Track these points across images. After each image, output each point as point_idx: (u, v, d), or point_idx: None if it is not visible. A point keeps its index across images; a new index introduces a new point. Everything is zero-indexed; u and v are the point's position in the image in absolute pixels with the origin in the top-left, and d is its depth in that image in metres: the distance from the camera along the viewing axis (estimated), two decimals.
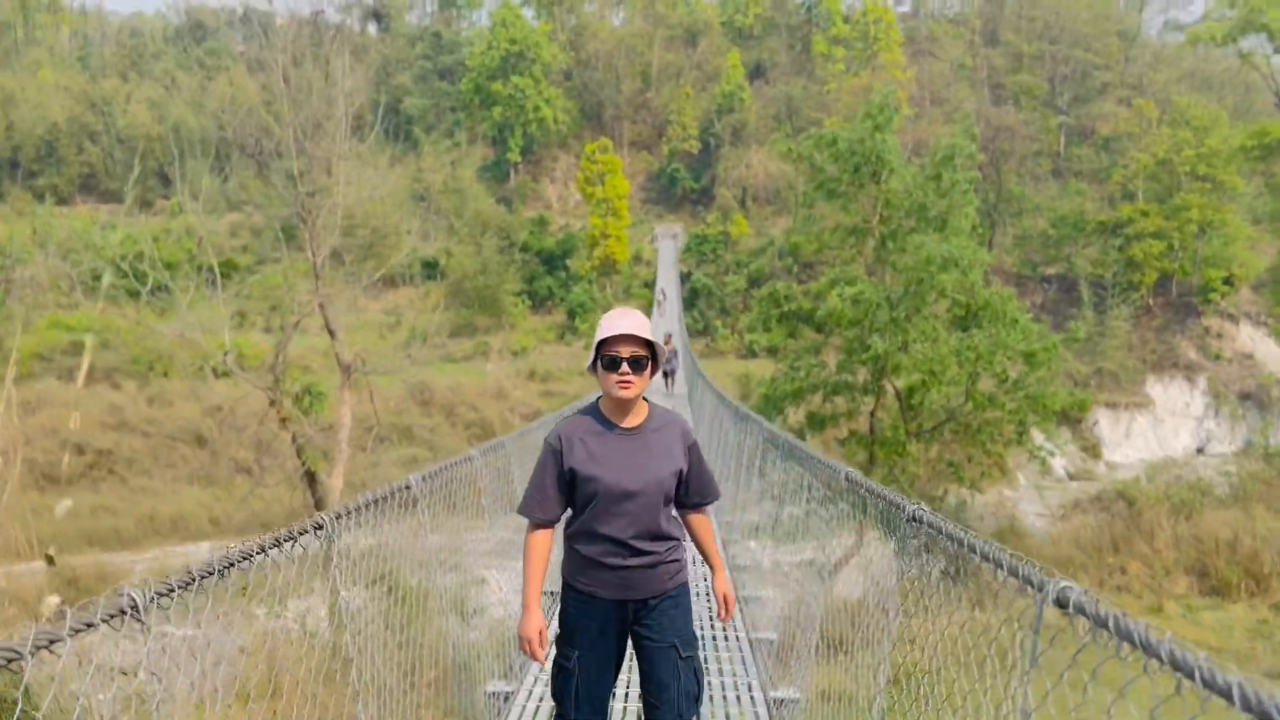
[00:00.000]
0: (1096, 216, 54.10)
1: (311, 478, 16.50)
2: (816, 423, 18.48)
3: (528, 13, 76.53)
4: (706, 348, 51.09)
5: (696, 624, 3.44)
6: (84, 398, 35.35)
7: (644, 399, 3.25)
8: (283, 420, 16.29)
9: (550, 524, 3.22)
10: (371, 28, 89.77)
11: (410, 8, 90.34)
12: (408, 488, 4.09)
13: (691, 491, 3.27)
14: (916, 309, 16.16)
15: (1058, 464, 32.24)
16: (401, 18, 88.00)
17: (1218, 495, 21.36)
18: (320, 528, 3.10)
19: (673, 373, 22.36)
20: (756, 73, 75.10)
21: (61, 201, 67.01)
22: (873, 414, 17.62)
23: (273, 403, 16.00)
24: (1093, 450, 43.14)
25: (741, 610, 7.23)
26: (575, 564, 3.23)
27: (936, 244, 15.95)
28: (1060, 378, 17.43)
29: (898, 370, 16.19)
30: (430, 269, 57.76)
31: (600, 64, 74.43)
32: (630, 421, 3.18)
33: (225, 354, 16.04)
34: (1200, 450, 45.35)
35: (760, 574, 8.10)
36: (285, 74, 16.20)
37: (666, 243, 62.89)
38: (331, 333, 16.84)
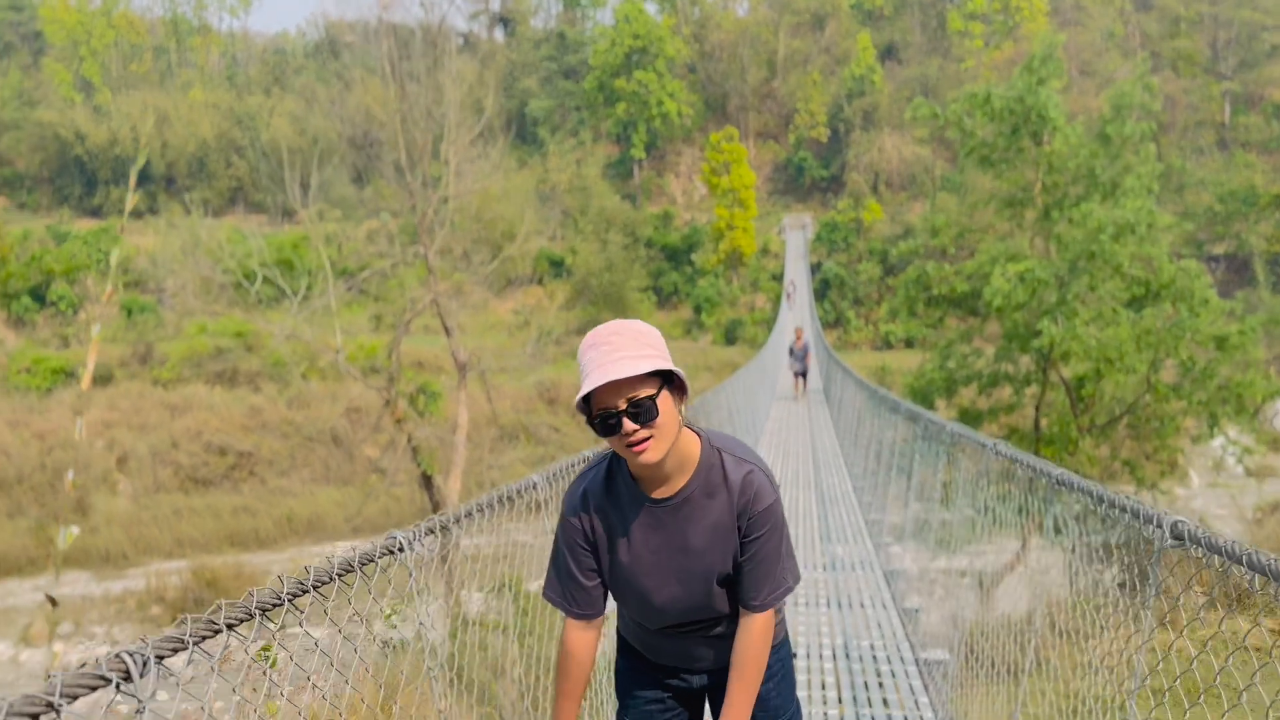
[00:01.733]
0: (1270, 189, 49.60)
1: (428, 480, 16.03)
2: (971, 418, 16.72)
3: (651, 8, 75.93)
4: (839, 340, 49.23)
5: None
6: (227, 400, 36.37)
7: (694, 434, 2.22)
8: (398, 421, 15.86)
9: (589, 618, 2.32)
10: (499, 34, 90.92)
11: (535, 12, 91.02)
12: (533, 486, 3.48)
13: (741, 583, 2.26)
14: (1090, 288, 14.28)
15: (1230, 460, 29.31)
16: (527, 22, 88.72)
17: None
18: (398, 550, 2.40)
19: (804, 373, 19.90)
20: (888, 54, 72.42)
21: (212, 214, 70.14)
22: (1038, 408, 15.83)
23: (387, 403, 15.56)
24: (1273, 444, 39.34)
25: (889, 582, 6.91)
26: (623, 616, 2.49)
27: (1108, 210, 14.08)
28: (1251, 365, 15.18)
29: (1067, 358, 14.33)
30: (557, 268, 57.72)
31: (724, 55, 73.13)
32: (667, 488, 2.19)
33: (337, 353, 15.73)
34: None
35: (916, 582, 7.22)
36: (393, 67, 15.78)
37: (795, 233, 61.15)
38: (448, 330, 16.31)
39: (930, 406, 16.92)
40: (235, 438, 33.67)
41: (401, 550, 2.39)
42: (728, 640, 2.31)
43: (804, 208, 65.52)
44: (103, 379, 39.59)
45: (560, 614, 2.33)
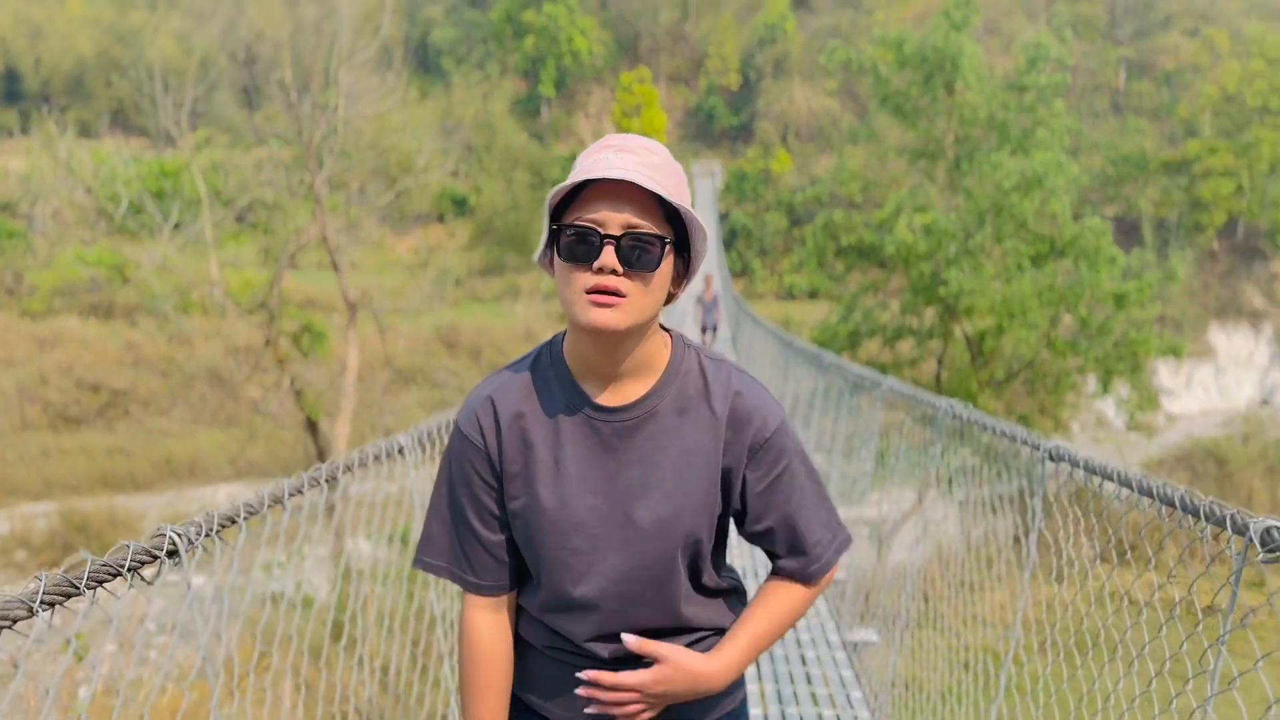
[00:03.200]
0: (1160, 155, 51.25)
1: (313, 425, 15.12)
2: (875, 370, 16.60)
3: None
4: (745, 290, 49.30)
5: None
6: (101, 335, 34.40)
7: (666, 333, 1.54)
8: (279, 361, 14.86)
9: (497, 592, 1.57)
10: None
11: None
12: (400, 451, 3.03)
13: (763, 540, 1.57)
14: (996, 239, 14.20)
15: (1113, 415, 30.39)
16: None
17: None
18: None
19: (714, 327, 17.96)
20: (800, 3, 71.97)
21: (90, 135, 66.01)
22: (940, 361, 15.81)
23: (268, 342, 14.54)
24: (1150, 401, 41.05)
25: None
26: (520, 660, 1.62)
27: (1017, 162, 13.96)
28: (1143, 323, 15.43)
29: (970, 312, 14.26)
30: (460, 207, 56.18)
31: None
32: (620, 392, 1.49)
33: (212, 287, 14.64)
34: (1265, 402, 43.13)
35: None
36: None
37: (704, 181, 60.79)
38: (336, 266, 15.36)
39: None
40: (110, 374, 31.89)
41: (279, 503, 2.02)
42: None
43: (713, 155, 65.13)
44: None
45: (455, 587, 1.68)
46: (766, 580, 1.61)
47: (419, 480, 3.09)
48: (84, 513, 23.67)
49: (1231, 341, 45.75)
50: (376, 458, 2.63)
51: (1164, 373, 42.48)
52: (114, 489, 26.92)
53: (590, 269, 1.37)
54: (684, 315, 25.13)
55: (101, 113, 69.36)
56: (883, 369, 16.91)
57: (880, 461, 5.72)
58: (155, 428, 30.49)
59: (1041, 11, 68.75)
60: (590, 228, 1.37)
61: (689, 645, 1.56)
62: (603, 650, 1.52)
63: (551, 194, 1.40)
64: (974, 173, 15.33)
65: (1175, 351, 15.40)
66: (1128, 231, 51.84)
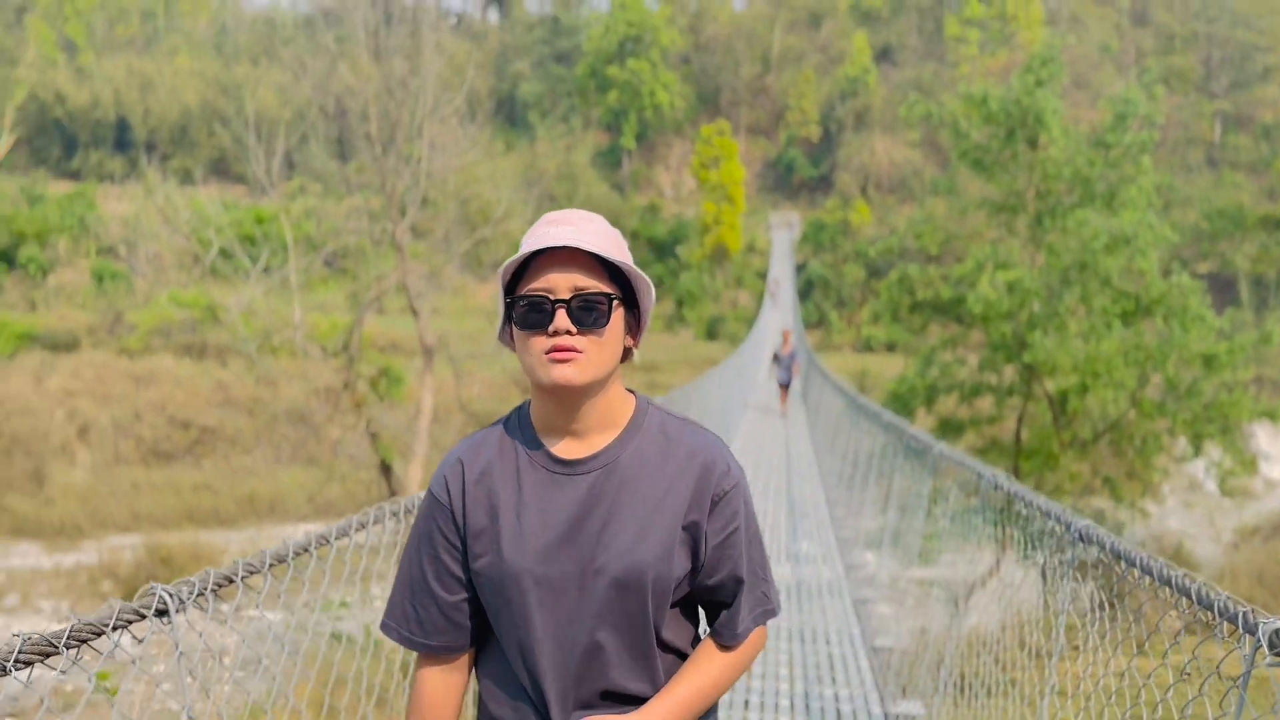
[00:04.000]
0: (1257, 210, 49.58)
1: (387, 467, 15.38)
2: (952, 428, 16.24)
3: None
4: (821, 341, 48.89)
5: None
6: (194, 374, 35.61)
7: (630, 393, 1.61)
8: (356, 404, 15.23)
9: (449, 652, 1.59)
10: (493, 15, 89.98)
11: None
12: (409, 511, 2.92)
13: (711, 595, 1.59)
14: (1081, 300, 13.84)
15: (1208, 479, 29.11)
16: (521, 4, 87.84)
17: None
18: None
19: (789, 384, 17.12)
20: (883, 56, 72.07)
21: (192, 183, 69.07)
22: (1019, 420, 15.40)
23: (346, 385, 14.93)
24: (1248, 465, 39.24)
25: (859, 615, 6.59)
26: (488, 675, 1.61)
27: (1104, 220, 13.63)
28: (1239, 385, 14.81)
29: (1052, 370, 13.89)
30: None
31: (719, 48, 72.59)
32: (581, 446, 1.54)
33: (294, 330, 15.12)
34: None
35: (878, 588, 6.86)
36: (372, 38, 15.18)
37: (781, 231, 60.75)
38: (415, 312, 15.72)
39: (911, 414, 16.47)
40: (200, 412, 32.94)
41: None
42: None
43: (792, 206, 65.13)
44: (68, 346, 38.78)
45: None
46: (698, 645, 1.63)
47: None
48: (169, 546, 24.36)
49: None
50: (394, 514, 2.64)
51: (1262, 436, 40.65)
52: (198, 524, 27.68)
53: (546, 333, 1.46)
54: (756, 368, 24.78)
55: (203, 161, 72.50)
56: (960, 426, 16.51)
57: (931, 522, 5.58)
58: (240, 465, 31.33)
59: (1132, 65, 67.60)
60: (541, 295, 1.46)
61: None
62: (558, 704, 1.52)
63: (501, 271, 1.51)
64: (1056, 229, 15.03)
65: (1271, 415, 14.74)
66: (1223, 289, 50.11)
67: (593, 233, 1.49)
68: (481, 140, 24.49)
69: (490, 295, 50.78)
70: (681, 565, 1.53)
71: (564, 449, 1.53)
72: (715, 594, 1.58)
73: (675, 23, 73.49)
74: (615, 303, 1.49)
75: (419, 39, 16.79)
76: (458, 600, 1.56)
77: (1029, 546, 3.80)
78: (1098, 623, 3.01)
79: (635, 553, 1.49)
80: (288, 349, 19.53)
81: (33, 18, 78.56)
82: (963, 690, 4.42)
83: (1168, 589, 2.03)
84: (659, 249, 58.27)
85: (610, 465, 1.52)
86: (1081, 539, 2.72)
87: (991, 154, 15.66)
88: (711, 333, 50.87)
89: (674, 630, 1.57)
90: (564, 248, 1.47)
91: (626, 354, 1.57)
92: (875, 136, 63.63)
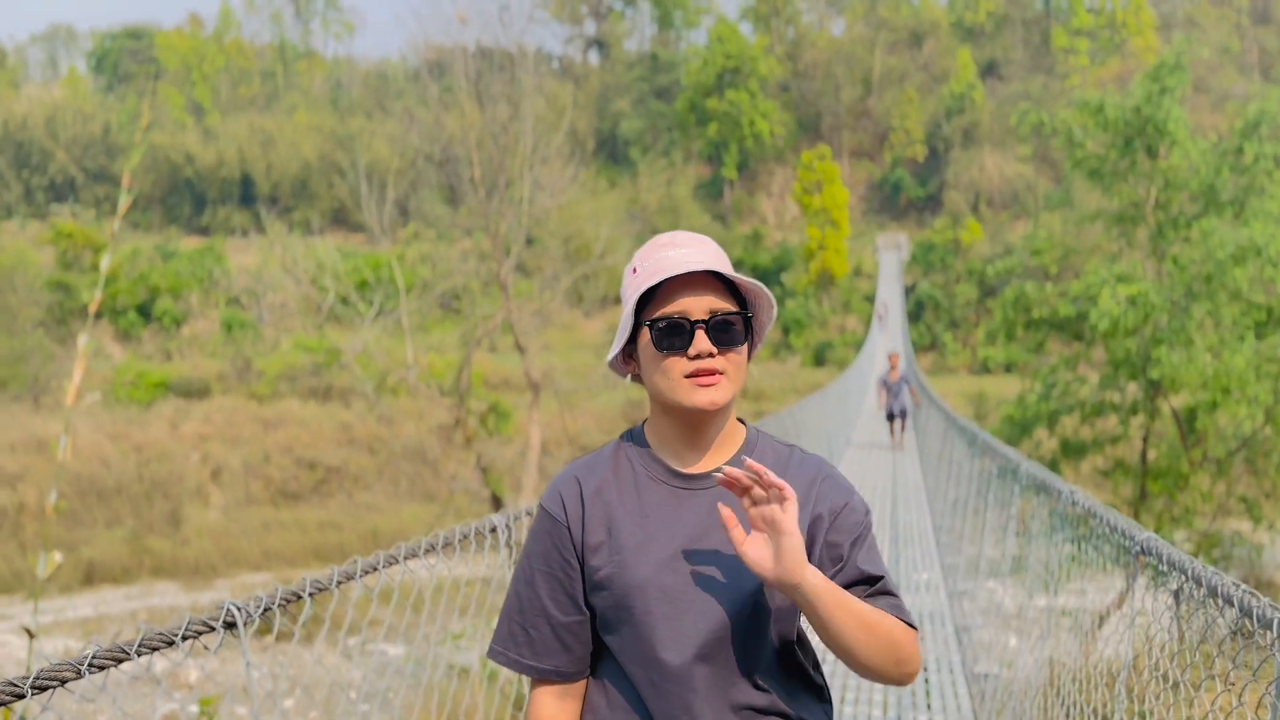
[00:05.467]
0: None
1: (498, 501, 15.66)
2: (1074, 450, 15.55)
3: (745, 27, 75.55)
4: (935, 364, 47.72)
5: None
6: (318, 416, 36.97)
7: (739, 421, 1.60)
8: (467, 440, 15.59)
9: (562, 678, 1.54)
10: (593, 56, 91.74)
11: (630, 34, 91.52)
12: (493, 530, 2.94)
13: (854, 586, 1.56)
14: (1209, 313, 13.14)
15: None
16: (620, 44, 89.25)
17: None
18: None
19: (904, 413, 15.46)
20: (989, 71, 70.60)
21: (312, 233, 72.21)
22: (1145, 439, 14.69)
23: (457, 422, 15.32)
24: None
25: (960, 642, 6.41)
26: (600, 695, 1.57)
27: (1231, 230, 12.95)
28: None
29: (1177, 387, 13.21)
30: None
31: (818, 73, 72.25)
32: (704, 459, 1.54)
33: (408, 370, 15.60)
34: None
35: (1002, 617, 6.66)
36: (473, 85, 15.65)
37: (889, 254, 59.73)
38: (520, 349, 16.05)
39: (1031, 436, 15.85)
40: (325, 452, 34.16)
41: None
42: None
43: (899, 227, 64.05)
44: (200, 393, 40.76)
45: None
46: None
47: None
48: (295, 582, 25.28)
49: None
50: (465, 537, 2.67)
51: None
52: (324, 560, 28.62)
53: (685, 355, 1.46)
54: (862, 395, 24.03)
55: (322, 212, 75.68)
56: (1082, 448, 15.81)
57: (1050, 546, 5.37)
58: (362, 502, 32.31)
59: (1255, 66, 64.50)
60: (680, 317, 1.46)
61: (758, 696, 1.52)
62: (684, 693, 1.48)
63: (632, 294, 1.50)
64: (1180, 240, 14.35)
65: None
66: None
67: (713, 253, 1.52)
68: (584, 179, 24.91)
69: (596, 330, 51.41)
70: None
71: (684, 465, 1.54)
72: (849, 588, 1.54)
73: (773, 51, 73.53)
74: (744, 322, 1.50)
75: (519, 84, 17.24)
76: (572, 622, 1.52)
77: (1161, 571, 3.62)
78: (1232, 650, 2.85)
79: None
80: (404, 388, 20.13)
81: (164, 84, 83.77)
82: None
83: (1230, 607, 1.92)
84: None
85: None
86: (1143, 551, 2.63)
87: (1109, 164, 15.08)
88: (819, 359, 50.26)
89: (797, 652, 1.57)
90: (692, 272, 1.48)
91: None
92: (984, 153, 62.20)
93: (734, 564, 1.48)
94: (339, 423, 36.84)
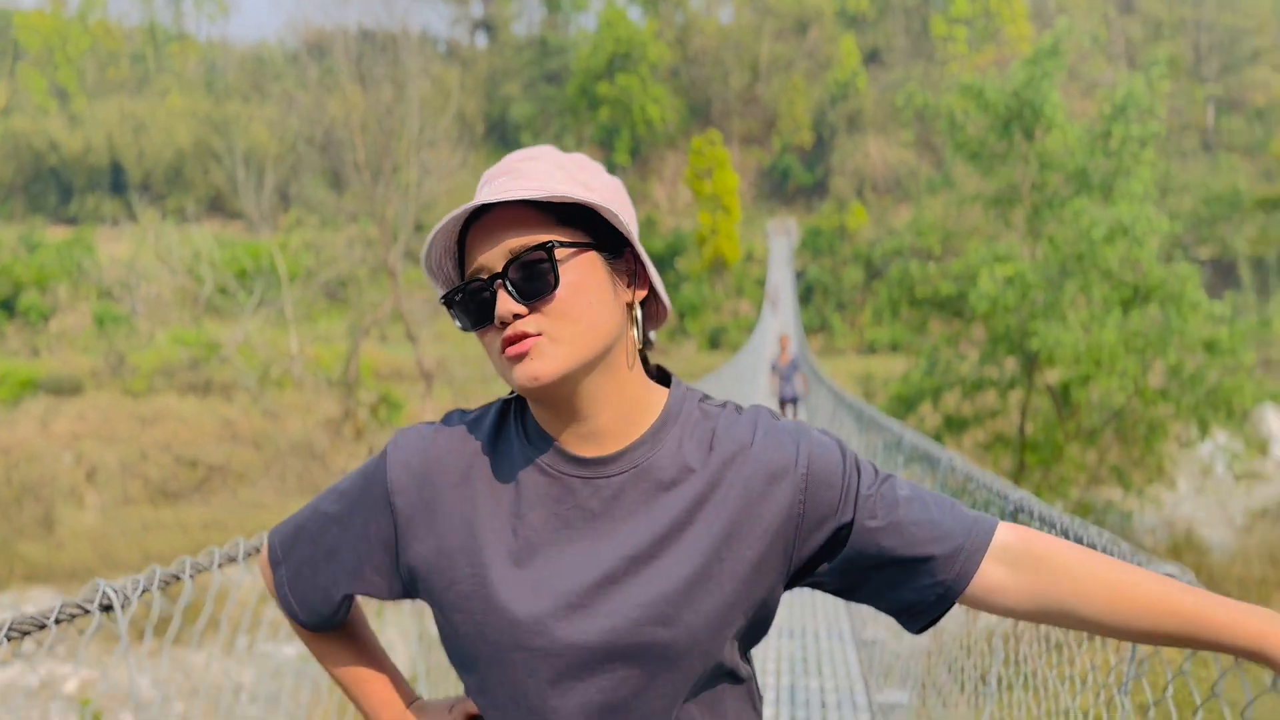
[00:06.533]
0: (1254, 192, 49.49)
1: None
2: (955, 425, 16.08)
3: (634, 13, 75.53)
4: (824, 346, 48.82)
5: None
6: (198, 411, 35.62)
7: (656, 380, 1.16)
8: (358, 432, 15.18)
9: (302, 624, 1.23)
10: (480, 39, 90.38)
11: (518, 17, 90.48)
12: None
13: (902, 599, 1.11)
14: (1082, 290, 13.74)
15: (1218, 464, 28.89)
16: (508, 28, 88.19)
17: None
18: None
19: (794, 400, 14.68)
20: (872, 59, 72.26)
21: (187, 221, 69.36)
22: (1023, 413, 15.29)
23: (347, 414, 14.89)
24: (1258, 448, 39.00)
25: (850, 610, 6.53)
26: None
27: (1102, 210, 13.56)
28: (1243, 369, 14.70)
29: (1052, 362, 13.79)
30: None
31: (707, 60, 72.81)
32: (600, 443, 1.09)
33: (292, 361, 15.10)
34: None
35: None
36: (357, 70, 15.18)
37: (779, 239, 60.78)
38: (412, 338, 15.69)
39: (916, 412, 16.31)
40: (206, 449, 32.92)
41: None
42: None
43: (788, 213, 65.16)
44: (71, 390, 38.81)
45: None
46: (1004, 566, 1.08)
47: None
48: (179, 585, 24.34)
49: None
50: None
51: (1273, 419, 40.41)
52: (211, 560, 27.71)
53: (493, 323, 1.06)
54: (755, 377, 24.44)
55: (198, 200, 72.77)
56: (963, 423, 16.37)
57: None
58: (248, 500, 31.32)
59: (1122, 54, 67.72)
60: (474, 279, 1.06)
61: None
62: None
63: (424, 260, 1.11)
64: (1054, 220, 14.94)
65: (1275, 397, 14.63)
66: (1225, 273, 49.89)
67: (531, 174, 1.08)
68: (474, 163, 24.51)
69: None
70: (749, 615, 1.14)
71: (578, 447, 1.10)
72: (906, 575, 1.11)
73: (662, 37, 73.75)
74: (567, 251, 1.05)
75: (403, 66, 16.79)
76: (336, 593, 1.18)
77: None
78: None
79: (692, 599, 1.09)
80: (288, 381, 19.50)
81: (24, 65, 79.15)
82: (962, 684, 4.36)
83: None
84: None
85: (643, 466, 1.09)
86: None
87: (989, 147, 15.55)
88: (714, 343, 50.87)
89: (724, 700, 1.15)
90: (498, 207, 1.06)
91: (655, 312, 1.15)
92: (868, 139, 63.73)
93: (647, 595, 1.05)
94: (220, 418, 35.50)
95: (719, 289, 55.60)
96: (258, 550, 2.10)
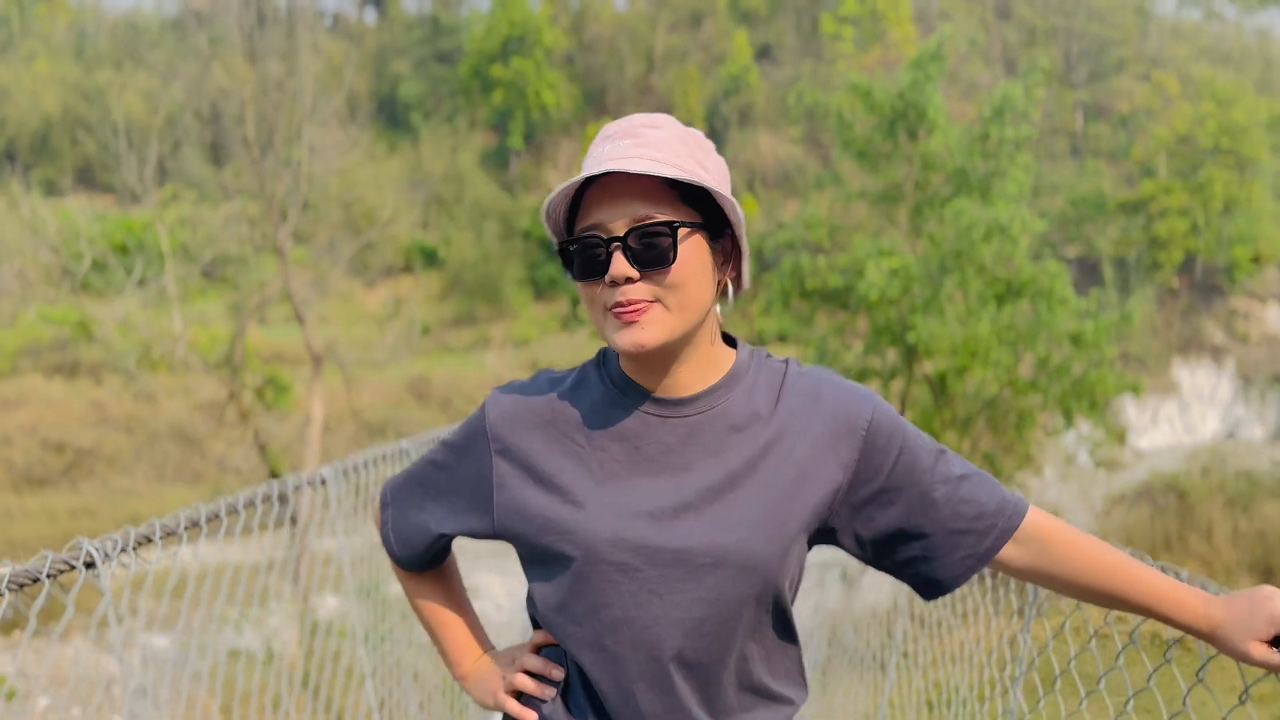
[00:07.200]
0: (1117, 196, 52.39)
1: (276, 478, 14.99)
2: None
3: None
4: None
5: None
6: (66, 394, 33.99)
7: (726, 343, 1.31)
8: (243, 416, 14.80)
9: (407, 566, 1.44)
10: (369, 15, 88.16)
11: None
12: (323, 482, 3.12)
13: (934, 548, 1.26)
14: (959, 285, 14.42)
15: (1081, 452, 30.64)
16: (399, 4, 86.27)
17: (1268, 485, 19.77)
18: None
19: None
20: (764, 54, 73.39)
21: (56, 193, 65.72)
22: (903, 402, 15.97)
23: (231, 396, 14.49)
24: (1118, 437, 41.46)
25: None
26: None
27: (979, 209, 14.24)
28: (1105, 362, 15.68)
29: (930, 353, 14.46)
30: (430, 258, 56.33)
31: (603, 47, 72.75)
32: (682, 382, 1.24)
33: (176, 342, 14.60)
34: (1230, 436, 43.70)
35: None
36: (245, 39, 14.75)
37: None
38: (300, 319, 15.38)
39: None
40: (74, 433, 31.47)
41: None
42: None
43: None
44: None
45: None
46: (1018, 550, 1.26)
47: (341, 512, 3.13)
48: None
49: (1195, 377, 46.42)
50: (298, 488, 2.65)
51: (1130, 410, 42.97)
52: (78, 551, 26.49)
53: (605, 280, 1.16)
54: None
55: (68, 171, 69.06)
56: None
57: None
58: (120, 486, 30.07)
59: (999, 59, 70.51)
60: (592, 236, 1.16)
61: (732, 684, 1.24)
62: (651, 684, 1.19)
63: (545, 209, 1.20)
64: (935, 219, 15.62)
65: (1134, 389, 15.65)
66: (1089, 271, 52.70)
67: (656, 143, 1.17)
68: (363, 142, 24.01)
69: (378, 301, 49.83)
70: (802, 559, 1.29)
71: (662, 388, 1.24)
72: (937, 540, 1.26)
73: (558, 22, 73.33)
74: (681, 230, 1.16)
75: (295, 39, 16.39)
76: (434, 536, 1.36)
77: None
78: (989, 592, 3.15)
79: (760, 525, 1.24)
80: (168, 363, 18.87)
81: None
82: (851, 663, 4.58)
83: None
84: (552, 249, 58.24)
85: (720, 408, 1.23)
86: None
87: (875, 145, 16.14)
88: None
89: (784, 646, 1.31)
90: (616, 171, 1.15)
91: (735, 289, 1.27)
92: (759, 133, 64.81)
93: (720, 522, 1.18)
94: (89, 401, 33.95)
95: None
96: (217, 516, 2.17)
